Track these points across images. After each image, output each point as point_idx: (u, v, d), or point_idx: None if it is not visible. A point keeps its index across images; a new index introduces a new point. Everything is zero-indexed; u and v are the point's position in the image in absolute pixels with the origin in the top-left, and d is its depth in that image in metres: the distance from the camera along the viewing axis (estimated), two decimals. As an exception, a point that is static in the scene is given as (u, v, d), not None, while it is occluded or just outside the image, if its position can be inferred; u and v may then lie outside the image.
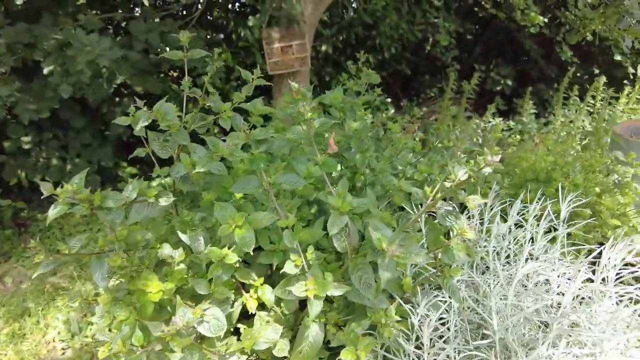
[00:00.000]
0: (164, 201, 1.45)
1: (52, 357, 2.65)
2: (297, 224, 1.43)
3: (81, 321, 2.83)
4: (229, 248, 1.39)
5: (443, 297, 1.49)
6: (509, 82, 5.14)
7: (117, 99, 4.48)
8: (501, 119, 4.68)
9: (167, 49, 3.23)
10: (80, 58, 2.62)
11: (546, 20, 4.46)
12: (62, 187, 1.31)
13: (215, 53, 2.09)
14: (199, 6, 3.63)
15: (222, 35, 4.46)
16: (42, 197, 1.26)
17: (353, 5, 5.07)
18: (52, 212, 1.32)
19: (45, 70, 2.82)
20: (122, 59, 2.84)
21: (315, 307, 1.30)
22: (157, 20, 3.30)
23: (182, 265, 1.44)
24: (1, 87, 2.74)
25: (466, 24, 5.58)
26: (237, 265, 1.45)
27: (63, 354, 2.67)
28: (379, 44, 5.07)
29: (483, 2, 4.66)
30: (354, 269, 1.36)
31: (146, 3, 3.34)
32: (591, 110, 4.07)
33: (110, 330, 1.49)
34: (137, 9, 3.55)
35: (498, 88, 5.18)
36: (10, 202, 3.57)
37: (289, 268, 1.43)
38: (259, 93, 5.31)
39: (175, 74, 5.08)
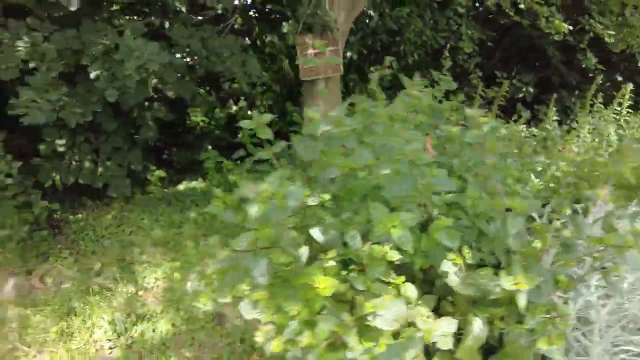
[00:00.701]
0: (311, 201, 1.51)
1: (101, 356, 2.70)
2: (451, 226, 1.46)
3: (126, 321, 2.88)
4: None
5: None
6: (531, 89, 5.20)
7: (146, 103, 4.56)
8: (524, 125, 4.74)
9: (205, 53, 3.29)
10: (128, 63, 2.69)
11: (570, 27, 4.53)
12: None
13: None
14: (234, 12, 3.70)
15: (249, 41, 4.53)
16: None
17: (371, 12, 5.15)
18: (254, 211, 1.35)
19: (92, 75, 2.89)
20: (168, 64, 2.91)
21: (522, 300, 1.35)
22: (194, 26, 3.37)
23: (333, 262, 1.45)
24: (51, 91, 2.80)
25: (486, 30, 5.65)
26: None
27: (110, 353, 2.72)
28: (402, 50, 5.14)
29: (507, 10, 4.73)
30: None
31: (183, 9, 3.41)
32: (617, 117, 4.13)
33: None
34: (169, 15, 3.63)
35: (520, 95, 5.24)
36: (46, 203, 3.63)
37: (447, 267, 1.46)
38: (283, 99, 5.40)
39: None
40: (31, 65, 2.80)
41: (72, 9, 2.59)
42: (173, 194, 4.66)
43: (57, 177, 4.06)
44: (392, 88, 4.76)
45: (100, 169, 4.24)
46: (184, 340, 2.79)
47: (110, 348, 2.75)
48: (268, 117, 1.77)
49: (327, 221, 1.51)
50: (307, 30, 3.87)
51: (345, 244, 1.52)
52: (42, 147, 3.99)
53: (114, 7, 4.01)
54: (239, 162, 4.97)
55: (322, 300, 1.34)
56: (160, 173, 4.59)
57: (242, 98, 5.25)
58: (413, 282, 1.53)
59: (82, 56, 2.92)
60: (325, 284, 1.31)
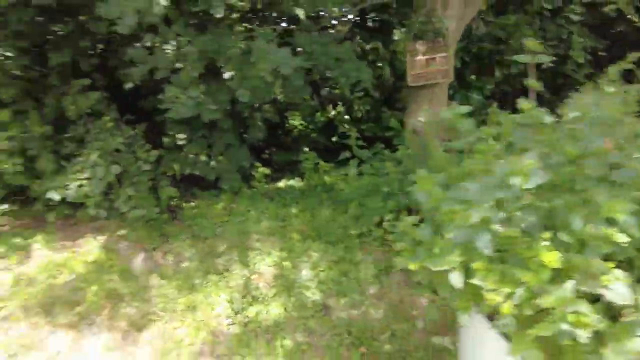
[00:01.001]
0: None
1: (221, 330, 2.96)
2: None
3: (242, 301, 3.13)
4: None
5: None
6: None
7: (256, 104, 4.92)
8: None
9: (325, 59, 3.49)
10: (262, 65, 2.95)
11: None
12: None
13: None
14: (348, 22, 3.89)
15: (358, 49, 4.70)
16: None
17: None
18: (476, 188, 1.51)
19: (227, 75, 3.19)
20: (297, 68, 3.14)
21: None
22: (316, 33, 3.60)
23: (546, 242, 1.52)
24: (191, 89, 3.14)
25: (599, 39, 5.34)
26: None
27: (229, 328, 2.97)
28: (505, 59, 5.02)
29: (629, 16, 4.44)
30: None
31: (302, 16, 3.65)
32: None
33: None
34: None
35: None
36: (172, 190, 4.03)
37: None
38: (380, 105, 5.51)
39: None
40: (177, 65, 3.17)
41: (219, 16, 2.90)
42: (274, 190, 4.95)
43: (177, 167, 4.49)
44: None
45: (213, 163, 4.64)
46: (295, 326, 2.96)
47: (229, 325, 3.00)
48: (465, 108, 1.86)
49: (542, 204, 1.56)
50: (418, 37, 3.95)
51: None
52: (166, 139, 4.46)
53: (235, 16, 4.40)
54: (333, 164, 5.18)
55: (549, 272, 1.40)
56: (265, 170, 4.89)
57: (340, 103, 5.45)
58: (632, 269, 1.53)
59: (218, 58, 3.24)
60: (551, 258, 1.37)
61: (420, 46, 3.79)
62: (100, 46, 4.06)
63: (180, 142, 4.48)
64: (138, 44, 3.58)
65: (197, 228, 4.17)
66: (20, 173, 3.58)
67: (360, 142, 3.77)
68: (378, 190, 3.68)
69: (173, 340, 2.87)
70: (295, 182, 5.28)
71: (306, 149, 5.73)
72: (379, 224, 3.65)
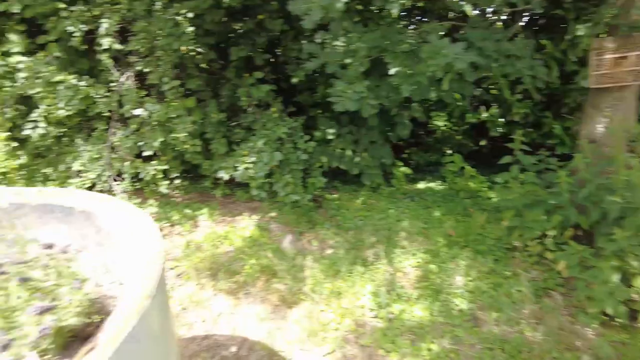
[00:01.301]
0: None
1: (365, 321, 2.99)
2: None
3: (387, 297, 3.12)
4: None
5: None
6: None
7: (405, 103, 4.89)
8: None
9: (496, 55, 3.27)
10: (433, 60, 2.87)
11: None
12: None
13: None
14: (520, 17, 3.58)
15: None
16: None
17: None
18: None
19: (392, 71, 3.19)
20: (470, 63, 3.01)
21: None
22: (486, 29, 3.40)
23: None
24: (357, 84, 3.21)
25: None
26: None
27: (373, 321, 2.99)
28: None
29: None
30: None
31: (469, 13, 3.46)
32: None
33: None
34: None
35: None
36: (324, 180, 4.21)
37: None
38: (540, 109, 5.01)
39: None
40: (346, 61, 3.27)
41: (394, 11, 2.91)
42: (414, 191, 4.87)
43: (325, 160, 4.68)
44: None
45: (357, 158, 4.74)
46: (442, 331, 2.85)
47: (372, 317, 3.02)
48: None
49: None
50: (607, 32, 3.47)
51: None
52: (317, 133, 4.67)
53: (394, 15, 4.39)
54: (478, 170, 4.89)
55: None
56: (406, 170, 4.83)
57: (494, 105, 5.09)
58: None
59: (386, 54, 3.26)
60: None
61: (609, 43, 3.33)
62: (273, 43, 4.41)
63: (329, 137, 4.65)
64: (304, 41, 3.82)
65: (340, 219, 4.31)
66: (198, 153, 4.09)
67: (526, 148, 3.46)
68: (541, 201, 3.33)
69: (319, 322, 2.99)
70: (435, 185, 5.12)
71: (449, 151, 5.54)
72: (539, 239, 3.32)
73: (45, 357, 0.98)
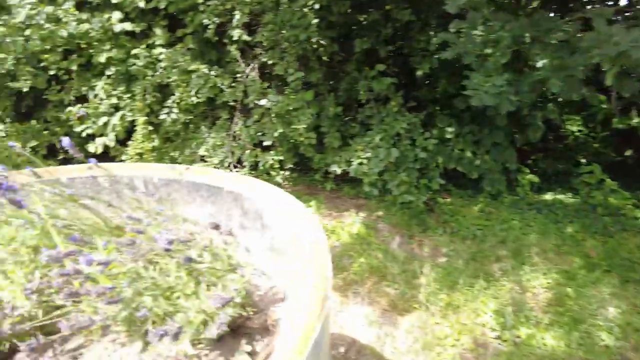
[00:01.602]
0: None
1: (485, 341, 2.68)
2: None
3: (513, 318, 2.77)
4: None
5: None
6: None
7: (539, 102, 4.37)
8: None
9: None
10: (599, 50, 2.43)
11: None
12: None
13: None
14: None
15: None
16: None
17: None
18: None
19: (540, 64, 2.80)
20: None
21: None
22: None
23: None
24: (496, 77, 2.88)
25: None
26: None
27: (495, 342, 2.66)
28: None
29: None
30: None
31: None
32: None
33: None
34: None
35: None
36: (441, 181, 3.93)
37: None
38: None
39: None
40: (486, 51, 2.95)
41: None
42: (540, 202, 4.33)
43: (441, 161, 4.37)
44: None
45: (477, 161, 4.35)
46: (584, 368, 2.43)
47: (495, 338, 2.69)
48: None
49: None
50: None
51: None
52: (434, 131, 4.37)
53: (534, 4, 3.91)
54: (621, 184, 4.17)
55: None
56: (533, 178, 4.31)
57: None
58: None
59: (532, 45, 2.89)
60: None
61: None
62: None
63: (447, 136, 4.34)
64: (432, 32, 3.56)
65: (455, 225, 3.99)
66: (311, 146, 4.08)
67: None
68: None
69: (434, 335, 2.76)
70: (565, 197, 4.50)
71: (583, 160, 4.85)
72: None
73: (199, 345, 0.93)
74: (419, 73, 3.58)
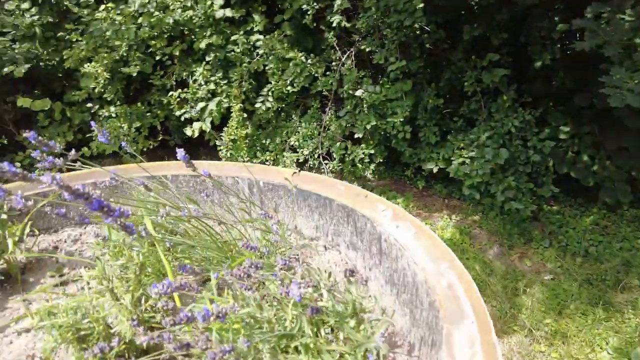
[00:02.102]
0: None
1: (604, 383, 2.32)
2: None
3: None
4: None
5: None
6: None
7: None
8: None
9: None
10: None
11: None
12: None
13: None
14: None
15: None
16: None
17: None
18: None
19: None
20: None
21: None
22: None
23: None
24: (618, 69, 2.40)
25: None
26: None
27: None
28: None
29: None
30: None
31: None
32: None
33: None
34: None
35: None
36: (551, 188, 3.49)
37: None
38: None
39: None
40: (636, 40, 2.48)
41: None
42: (676, 219, 3.68)
43: (550, 164, 3.88)
44: None
45: (596, 167, 3.79)
46: None
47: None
48: None
49: None
50: None
51: None
52: (546, 130, 3.88)
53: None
54: None
55: None
56: (668, 190, 3.66)
57: None
58: None
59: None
60: None
61: None
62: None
63: (561, 136, 3.83)
64: (557, 17, 3.09)
65: (563, 238, 3.54)
66: (405, 140, 3.83)
67: None
68: None
69: (539, 365, 2.45)
70: None
71: None
72: None
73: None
74: (538, 64, 3.14)
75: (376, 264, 1.16)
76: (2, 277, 1.17)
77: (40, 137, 0.95)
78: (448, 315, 0.79)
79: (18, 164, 4.37)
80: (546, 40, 3.22)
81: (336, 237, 1.33)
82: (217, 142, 4.18)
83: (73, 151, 0.94)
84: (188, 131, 4.26)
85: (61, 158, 0.97)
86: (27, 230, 1.30)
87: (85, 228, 1.51)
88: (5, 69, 4.06)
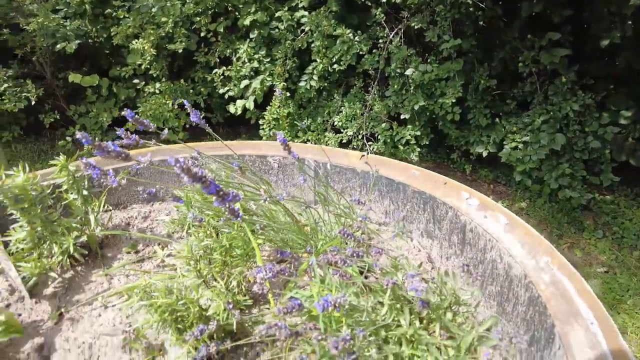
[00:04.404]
0: None
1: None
2: None
3: None
4: None
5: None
6: None
7: None
8: None
9: None
10: None
11: None
12: None
13: None
14: None
15: None
16: None
17: None
18: None
19: None
20: None
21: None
22: None
23: None
24: None
25: None
26: None
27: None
28: None
29: None
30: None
31: None
32: None
33: None
34: None
35: None
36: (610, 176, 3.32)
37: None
38: None
39: None
40: None
41: None
42: None
43: (607, 151, 3.67)
44: None
45: (658, 154, 3.57)
46: None
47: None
48: None
49: None
50: None
51: None
52: (605, 114, 3.66)
53: None
54: None
55: None
56: None
57: None
58: None
59: None
60: None
61: None
62: None
63: (622, 121, 3.60)
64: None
65: (618, 229, 3.38)
66: (453, 122, 3.70)
67: None
68: None
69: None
70: None
71: None
72: None
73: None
74: (604, 43, 2.93)
75: (456, 254, 1.12)
76: (86, 252, 1.20)
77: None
78: (558, 314, 0.74)
79: (68, 139, 4.52)
80: (615, 17, 3.00)
81: (408, 224, 1.29)
82: (260, 121, 4.17)
83: (165, 131, 0.93)
84: (231, 109, 4.27)
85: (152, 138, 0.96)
86: (102, 206, 1.33)
87: (152, 205, 1.53)
88: (58, 46, 4.16)
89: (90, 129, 4.66)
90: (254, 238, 0.90)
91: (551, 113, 3.06)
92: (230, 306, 0.79)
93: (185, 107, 1.02)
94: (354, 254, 0.75)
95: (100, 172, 0.87)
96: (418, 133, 3.73)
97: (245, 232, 0.93)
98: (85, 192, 1.19)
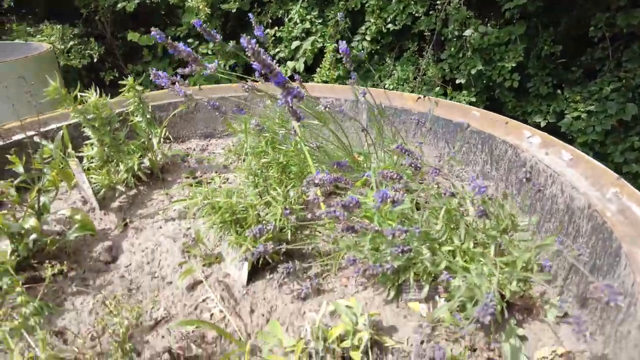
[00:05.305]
0: None
1: None
2: None
3: None
4: None
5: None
6: None
7: None
8: None
9: None
10: None
11: None
12: None
13: None
14: None
15: None
16: None
17: None
18: None
19: None
20: None
21: None
22: None
23: None
24: None
25: None
26: None
27: None
28: None
29: None
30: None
31: None
32: None
33: None
34: None
35: None
36: None
37: None
38: None
39: None
40: None
41: None
42: None
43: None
44: None
45: None
46: None
47: None
48: None
49: None
50: None
51: None
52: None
53: None
54: None
55: None
56: None
57: None
58: None
59: None
60: None
61: None
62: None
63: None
64: None
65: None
66: (511, 89, 3.52)
67: None
68: None
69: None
70: None
71: None
72: None
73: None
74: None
75: (513, 194, 1.08)
76: (149, 172, 1.27)
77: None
78: (625, 237, 0.71)
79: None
80: None
81: (465, 165, 1.26)
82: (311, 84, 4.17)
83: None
84: (282, 71, 4.29)
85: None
86: (164, 135, 1.39)
87: (209, 140, 1.59)
88: (119, 5, 4.31)
89: (145, 87, 4.86)
90: (309, 155, 0.91)
91: (623, 80, 2.83)
92: (287, 211, 0.82)
93: (237, 69, 1.04)
94: (412, 165, 0.75)
95: (168, 81, 0.91)
96: (473, 99, 3.59)
97: (302, 150, 0.95)
98: (148, 116, 1.25)
